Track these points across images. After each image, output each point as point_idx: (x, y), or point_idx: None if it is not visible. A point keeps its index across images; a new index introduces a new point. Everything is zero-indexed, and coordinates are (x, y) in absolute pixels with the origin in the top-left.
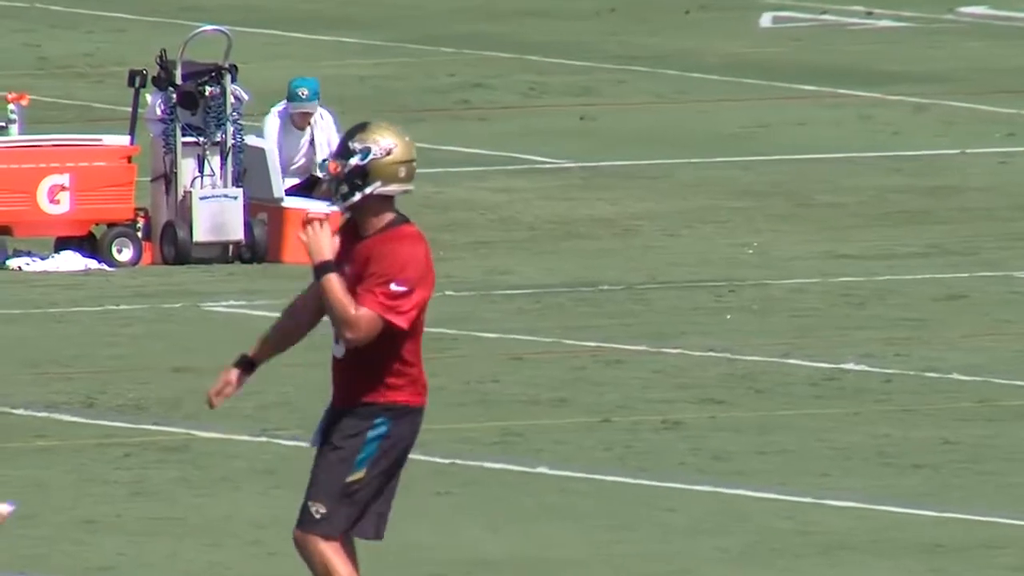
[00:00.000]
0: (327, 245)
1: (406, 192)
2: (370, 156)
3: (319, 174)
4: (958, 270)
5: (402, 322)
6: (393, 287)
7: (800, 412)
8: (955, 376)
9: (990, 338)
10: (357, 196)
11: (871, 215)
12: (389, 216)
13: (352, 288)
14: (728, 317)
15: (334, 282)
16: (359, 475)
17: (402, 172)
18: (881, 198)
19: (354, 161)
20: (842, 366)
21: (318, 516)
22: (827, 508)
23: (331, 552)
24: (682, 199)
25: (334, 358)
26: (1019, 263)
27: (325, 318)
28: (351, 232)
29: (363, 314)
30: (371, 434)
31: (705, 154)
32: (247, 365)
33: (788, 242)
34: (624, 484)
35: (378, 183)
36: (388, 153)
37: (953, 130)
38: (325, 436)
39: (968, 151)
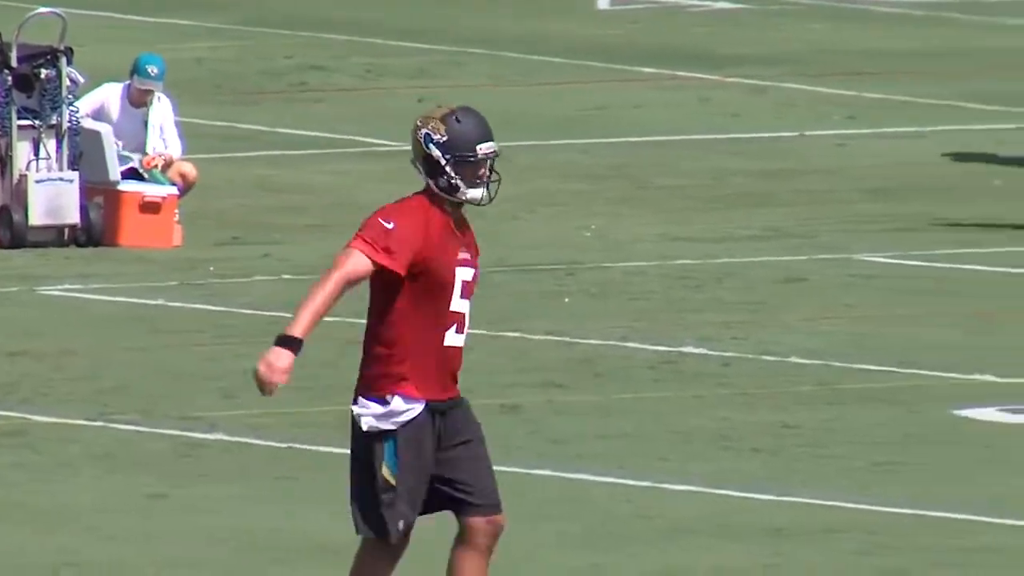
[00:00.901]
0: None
1: None
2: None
3: (135, 164)
4: (797, 253)
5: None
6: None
7: (639, 395)
8: (794, 359)
9: (829, 321)
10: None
11: (709, 198)
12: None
13: (478, 277)
14: (567, 300)
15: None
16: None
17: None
18: (720, 181)
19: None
20: (681, 349)
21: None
22: (667, 492)
23: None
24: (521, 183)
25: (447, 348)
26: (858, 246)
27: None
28: (441, 217)
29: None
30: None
31: (544, 137)
32: (297, 345)
33: (627, 225)
34: None
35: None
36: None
37: (792, 112)
38: (456, 433)
39: (807, 134)
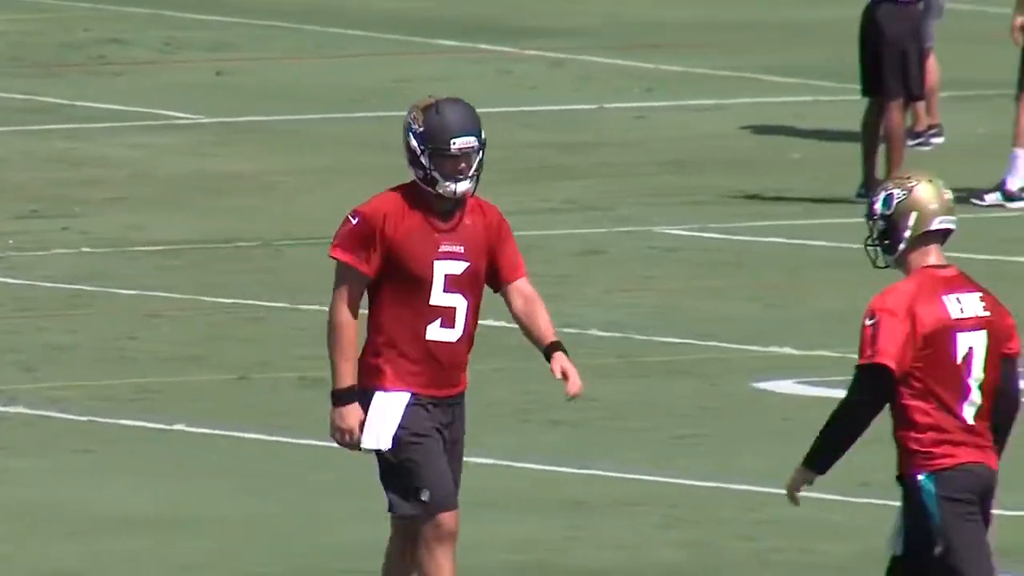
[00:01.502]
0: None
1: None
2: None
3: None
4: (596, 226)
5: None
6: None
7: None
8: (594, 332)
9: (629, 294)
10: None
11: (509, 170)
12: None
13: (481, 262)
14: None
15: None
16: None
17: None
18: (519, 154)
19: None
20: (481, 322)
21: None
22: (468, 465)
23: None
24: (320, 155)
25: (431, 342)
26: (658, 218)
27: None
28: (419, 210)
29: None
30: None
31: (343, 110)
32: (351, 395)
33: None
34: (264, 441)
35: None
36: None
37: (590, 85)
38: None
39: (606, 106)
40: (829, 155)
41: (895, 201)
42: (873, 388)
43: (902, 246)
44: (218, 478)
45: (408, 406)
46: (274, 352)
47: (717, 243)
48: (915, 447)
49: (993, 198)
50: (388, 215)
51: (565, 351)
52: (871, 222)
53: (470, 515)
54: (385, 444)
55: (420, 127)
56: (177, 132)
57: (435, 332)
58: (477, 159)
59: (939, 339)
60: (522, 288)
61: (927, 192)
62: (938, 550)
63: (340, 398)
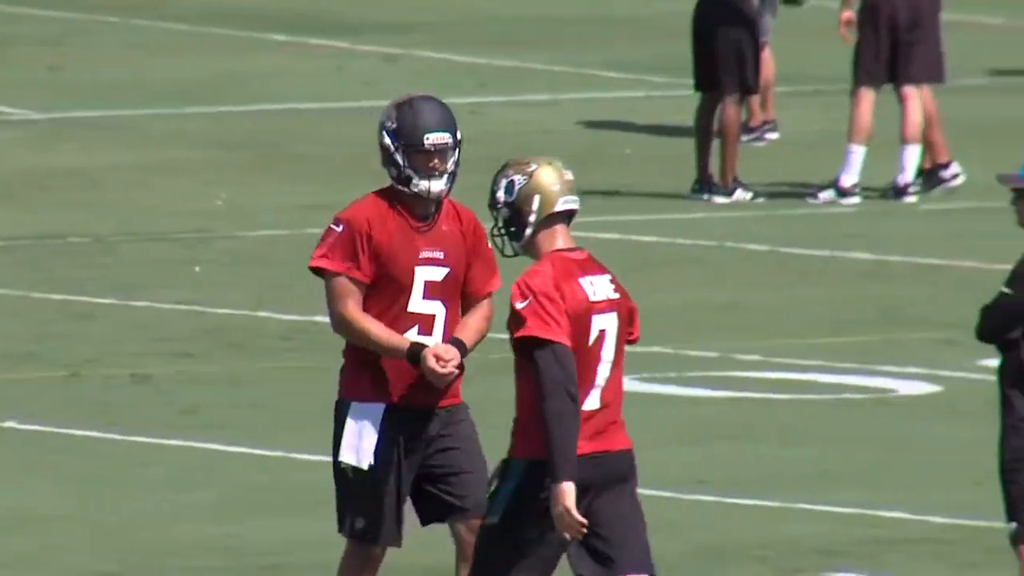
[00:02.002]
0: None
1: None
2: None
3: None
4: None
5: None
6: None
7: (272, 365)
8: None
9: None
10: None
11: (343, 167)
12: None
13: (458, 271)
14: (198, 269)
15: (471, 338)
16: None
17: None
18: (353, 150)
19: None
20: (314, 318)
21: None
22: (299, 462)
23: None
24: (153, 150)
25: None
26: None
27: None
28: (398, 215)
29: (489, 300)
30: None
31: (176, 105)
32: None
33: (259, 194)
34: (96, 439)
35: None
36: None
37: (424, 80)
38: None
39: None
40: (663, 151)
41: (517, 187)
42: (564, 364)
43: (529, 231)
44: (48, 475)
45: (383, 421)
46: (105, 349)
47: None
48: (527, 430)
49: (827, 195)
50: (371, 219)
51: (457, 347)
52: (495, 211)
53: (304, 510)
54: (367, 461)
55: (393, 123)
56: (9, 128)
57: (417, 339)
58: (452, 158)
59: (581, 321)
60: (482, 305)
61: (548, 175)
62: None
63: (414, 353)
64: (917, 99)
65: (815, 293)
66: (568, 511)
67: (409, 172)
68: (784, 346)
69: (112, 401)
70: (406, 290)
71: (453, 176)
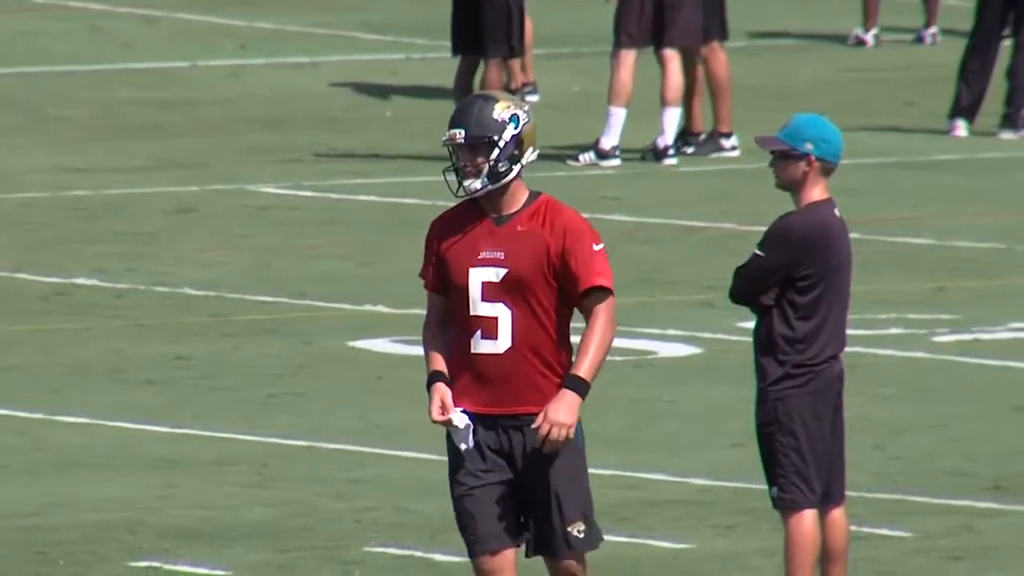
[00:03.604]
0: (573, 416)
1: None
2: (522, 122)
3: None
4: (188, 184)
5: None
6: (595, 248)
7: (31, 327)
8: (187, 291)
9: (222, 252)
10: (516, 169)
11: (102, 128)
12: (524, 186)
13: (531, 271)
14: None
15: (591, 364)
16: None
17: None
18: (111, 111)
19: (509, 132)
20: (74, 281)
21: (583, 535)
22: (59, 424)
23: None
24: None
25: (476, 355)
26: (252, 176)
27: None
28: (468, 219)
29: (609, 305)
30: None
31: None
32: (435, 379)
33: (19, 156)
34: None
35: (531, 148)
36: (529, 115)
37: (184, 42)
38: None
39: (199, 64)
40: (422, 112)
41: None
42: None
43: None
44: None
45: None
46: None
47: (310, 201)
48: None
49: (587, 157)
50: (443, 224)
51: (576, 390)
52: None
53: (62, 473)
54: (467, 444)
55: None
56: None
57: (478, 344)
58: (475, 155)
59: None
60: (594, 311)
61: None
62: None
63: (428, 384)
64: (677, 61)
65: None
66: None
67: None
68: None
69: None
70: (464, 293)
71: (496, 174)
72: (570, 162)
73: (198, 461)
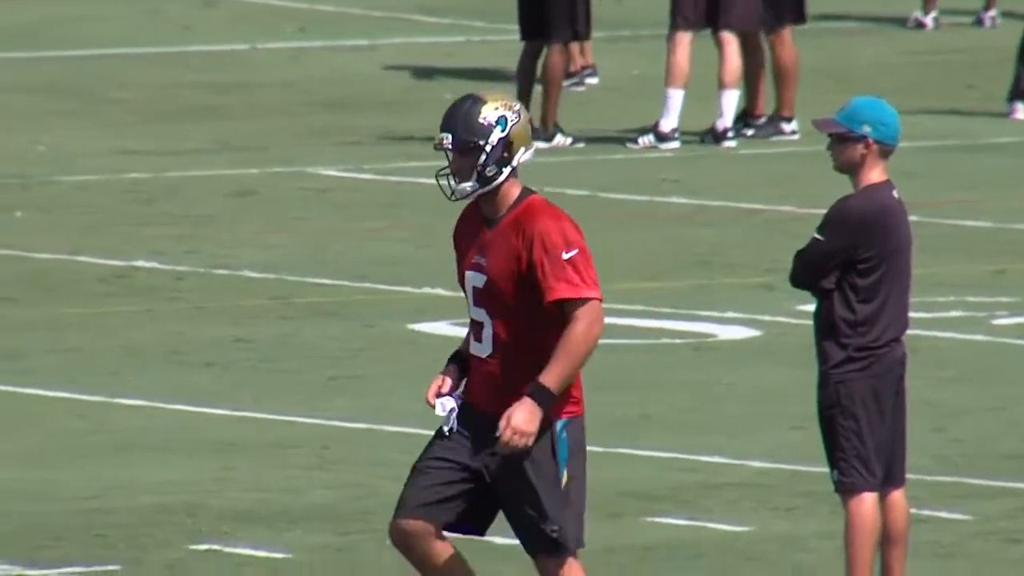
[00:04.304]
0: (533, 424)
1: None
2: (510, 124)
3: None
4: (248, 166)
5: (597, 291)
6: (565, 256)
7: (90, 310)
8: (247, 273)
9: (282, 235)
10: (505, 172)
11: (160, 111)
12: (518, 185)
13: (504, 279)
14: (18, 215)
15: (557, 375)
16: (566, 477)
17: (530, 132)
18: (170, 94)
19: (496, 135)
20: (133, 263)
21: (557, 535)
22: (118, 407)
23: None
24: None
25: (473, 356)
26: (311, 159)
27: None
28: (474, 220)
29: (585, 313)
30: (561, 434)
31: None
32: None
33: (77, 139)
34: None
35: (523, 149)
36: (519, 115)
37: (244, 25)
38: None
39: (259, 47)
40: None
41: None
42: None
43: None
44: None
45: (463, 404)
46: None
47: (370, 184)
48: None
49: (647, 140)
50: (461, 222)
51: (536, 398)
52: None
53: (121, 455)
54: (446, 423)
55: None
56: None
57: (474, 347)
58: (464, 159)
59: None
60: (573, 317)
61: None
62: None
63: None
64: (735, 44)
65: (633, 238)
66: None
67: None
68: (603, 291)
69: None
70: (465, 294)
71: (484, 178)
72: (630, 145)
73: (257, 444)
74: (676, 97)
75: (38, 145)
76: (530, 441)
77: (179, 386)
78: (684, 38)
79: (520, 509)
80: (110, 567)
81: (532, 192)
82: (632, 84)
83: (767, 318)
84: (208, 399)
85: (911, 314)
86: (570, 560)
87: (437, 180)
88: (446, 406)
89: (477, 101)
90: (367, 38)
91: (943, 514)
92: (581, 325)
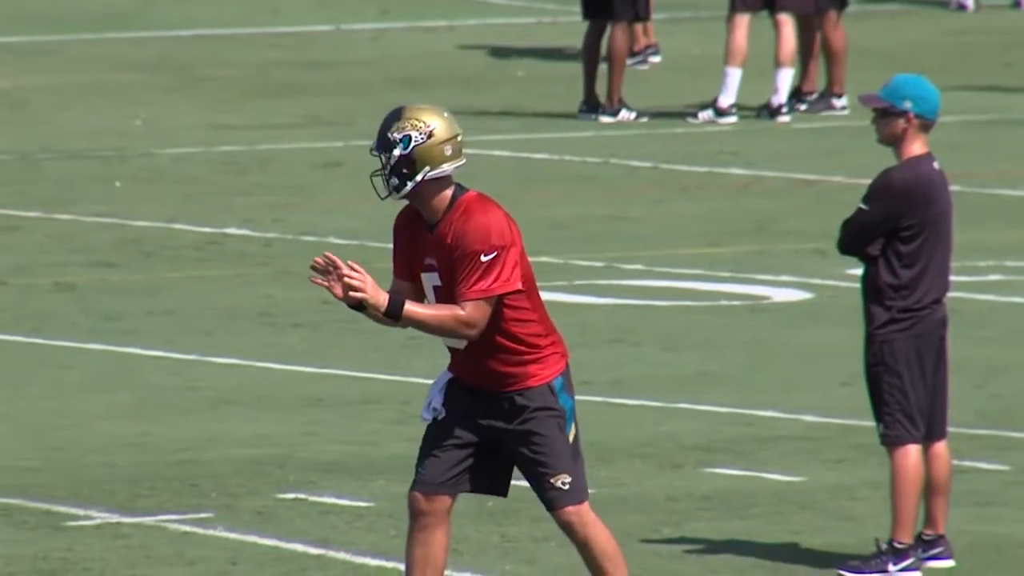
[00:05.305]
0: (372, 283)
1: (458, 168)
2: (412, 143)
3: None
4: (334, 139)
5: (509, 286)
6: (483, 259)
7: (185, 274)
8: (332, 240)
9: (365, 204)
10: (409, 186)
11: (251, 88)
12: (448, 194)
13: (447, 280)
14: (118, 184)
15: (417, 311)
16: (572, 432)
17: (448, 151)
18: (260, 72)
19: (397, 152)
20: (225, 231)
21: (567, 487)
22: (212, 365)
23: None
24: (74, 73)
25: (449, 346)
26: None
27: None
28: (417, 220)
29: (470, 309)
30: (561, 394)
31: (96, 30)
32: (394, 308)
33: (174, 114)
34: (20, 343)
35: (427, 168)
36: (430, 136)
37: (329, 7)
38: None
39: (343, 27)
40: (551, 73)
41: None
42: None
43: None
44: None
45: (449, 381)
46: (30, 259)
47: None
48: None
49: (706, 115)
50: (400, 224)
51: (391, 303)
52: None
53: (214, 410)
54: (424, 416)
55: None
56: None
57: (446, 339)
58: (389, 164)
59: None
60: (460, 304)
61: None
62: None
63: (390, 310)
64: (791, 25)
65: (694, 207)
66: None
67: None
68: (665, 256)
69: (36, 308)
70: (425, 295)
71: (394, 186)
72: (690, 119)
73: (342, 400)
74: (734, 75)
75: (135, 120)
76: (358, 295)
77: (269, 346)
78: (742, 19)
79: (533, 469)
80: (203, 514)
81: (465, 191)
82: (693, 63)
83: (818, 282)
84: (296, 358)
85: (953, 278)
86: (582, 508)
87: (371, 179)
88: (431, 408)
89: (398, 117)
90: (445, 19)
91: (983, 465)
92: (459, 315)
